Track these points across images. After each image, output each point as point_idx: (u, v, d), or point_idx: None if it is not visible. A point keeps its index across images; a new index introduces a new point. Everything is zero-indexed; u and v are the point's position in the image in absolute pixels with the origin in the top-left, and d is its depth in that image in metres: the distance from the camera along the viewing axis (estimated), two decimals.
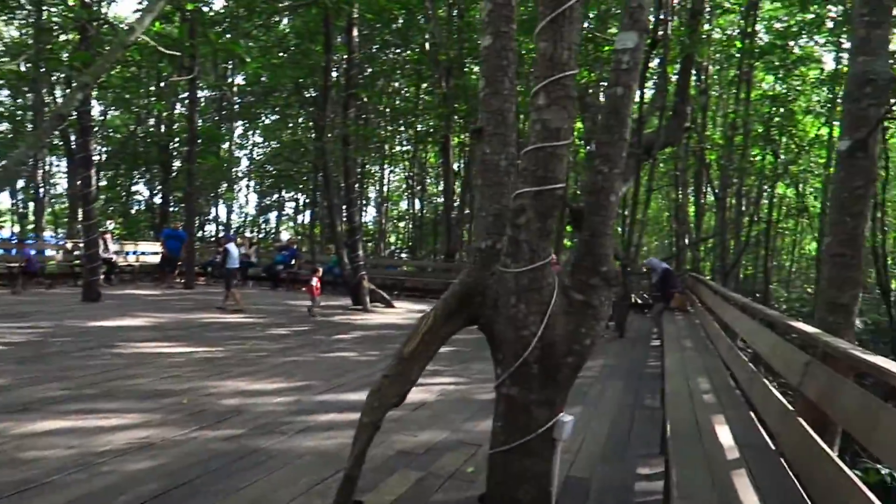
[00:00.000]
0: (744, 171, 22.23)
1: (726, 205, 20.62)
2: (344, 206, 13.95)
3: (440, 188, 32.32)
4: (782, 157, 21.61)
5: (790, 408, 2.95)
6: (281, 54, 17.03)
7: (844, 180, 4.46)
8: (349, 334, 9.89)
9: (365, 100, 20.69)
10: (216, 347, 7.94)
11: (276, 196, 34.17)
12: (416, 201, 31.73)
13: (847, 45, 19.97)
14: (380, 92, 23.15)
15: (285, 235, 34.60)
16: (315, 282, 11.83)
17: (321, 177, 13.73)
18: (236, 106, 27.18)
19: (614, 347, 10.08)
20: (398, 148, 30.14)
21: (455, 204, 20.37)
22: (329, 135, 14.15)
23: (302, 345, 8.59)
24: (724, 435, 3.18)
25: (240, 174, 25.77)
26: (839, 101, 21.36)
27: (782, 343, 3.55)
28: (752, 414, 3.59)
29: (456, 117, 18.71)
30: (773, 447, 2.98)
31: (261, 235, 34.34)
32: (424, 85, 24.74)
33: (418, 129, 25.84)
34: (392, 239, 36.56)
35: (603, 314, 3.50)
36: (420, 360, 3.56)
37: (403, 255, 33.63)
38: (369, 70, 21.49)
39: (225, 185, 28.00)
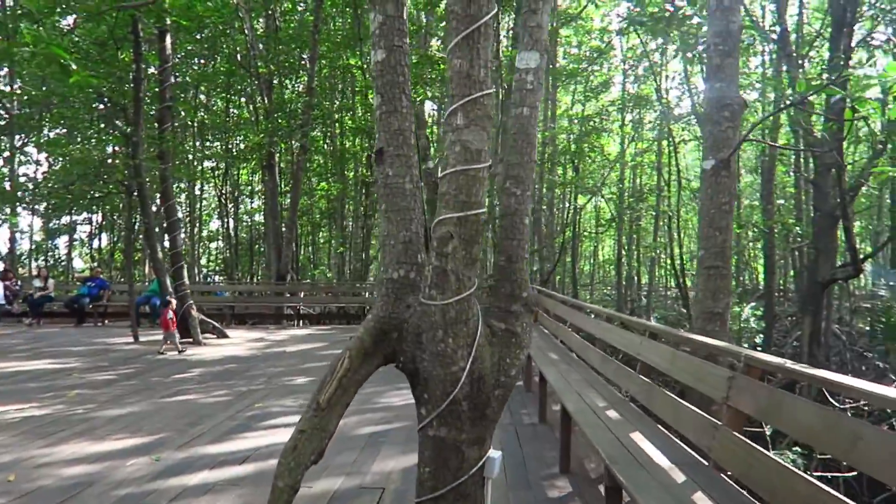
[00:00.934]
0: (553, 183, 24.05)
1: (540, 216, 22.14)
2: (165, 229, 12.64)
3: (253, 205, 30.91)
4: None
5: (718, 421, 3.05)
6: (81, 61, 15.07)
7: (712, 197, 4.88)
8: (188, 372, 8.89)
9: (182, 114, 19.09)
10: (30, 403, 6.68)
11: (65, 219, 30.25)
12: (230, 221, 29.90)
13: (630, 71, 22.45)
14: (189, 105, 21.50)
15: (79, 264, 30.85)
16: (171, 315, 10.65)
17: (135, 196, 12.24)
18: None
19: None
20: (206, 164, 28.20)
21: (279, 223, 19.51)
22: (142, 152, 12.74)
23: (137, 390, 7.53)
24: (656, 454, 3.21)
25: (26, 196, 22.30)
26: (629, 122, 23.96)
27: (685, 356, 3.71)
28: (663, 429, 3.69)
29: (280, 133, 17.91)
30: (706, 463, 3.06)
31: (49, 264, 30.16)
32: (239, 99, 23.51)
33: (229, 145, 24.52)
34: (204, 261, 34.13)
35: (527, 342, 3.39)
36: (337, 409, 3.18)
37: (217, 279, 31.62)
38: (177, 80, 19.87)
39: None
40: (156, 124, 13.05)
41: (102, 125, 18.62)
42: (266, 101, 18.55)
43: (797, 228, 16.14)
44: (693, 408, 3.35)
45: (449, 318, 3.08)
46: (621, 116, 23.84)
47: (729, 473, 2.89)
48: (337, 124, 24.78)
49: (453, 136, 3.13)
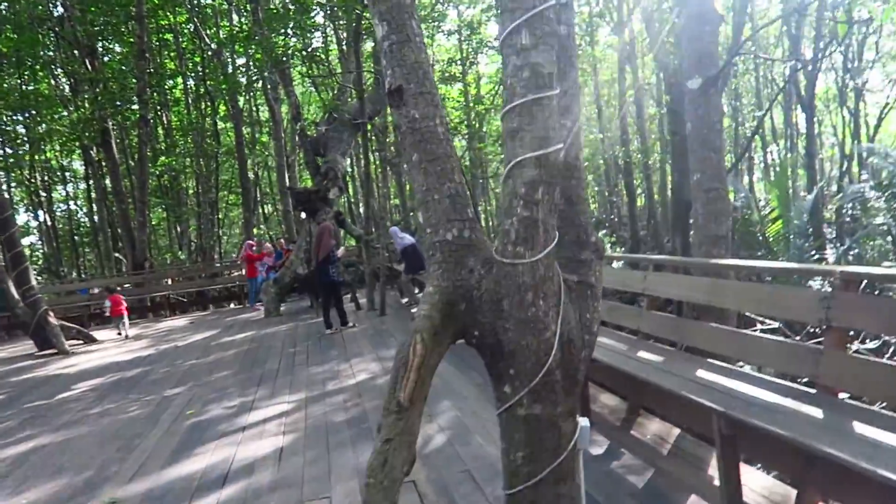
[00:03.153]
0: None
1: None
2: None
3: (68, 191, 27.30)
4: None
5: (818, 346, 2.89)
6: None
7: (703, 117, 4.73)
8: (74, 388, 7.53)
9: None
10: None
11: None
12: (43, 213, 26.02)
13: None
14: None
15: None
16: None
17: None
18: None
19: (386, 326, 9.65)
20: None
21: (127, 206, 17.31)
22: None
23: (25, 421, 6.20)
24: (754, 391, 3.00)
25: None
26: None
27: (735, 284, 3.54)
28: (729, 366, 3.51)
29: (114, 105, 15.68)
30: (813, 390, 2.90)
31: None
32: (49, 70, 20.26)
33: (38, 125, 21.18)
34: None
35: (600, 292, 3.00)
36: (418, 405, 2.61)
37: (40, 278, 27.99)
38: None
39: None
40: None
41: None
42: (91, 70, 16.05)
43: (656, 154, 17.13)
44: (780, 338, 3.19)
45: (539, 277, 2.61)
46: None
47: (845, 395, 2.75)
48: (171, 91, 22.35)
49: (519, 59, 2.59)
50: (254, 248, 14.10)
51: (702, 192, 4.76)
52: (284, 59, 10.88)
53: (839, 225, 14.84)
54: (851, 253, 10.30)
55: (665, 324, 4.17)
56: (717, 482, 3.19)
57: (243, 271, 14.55)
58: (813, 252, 11.36)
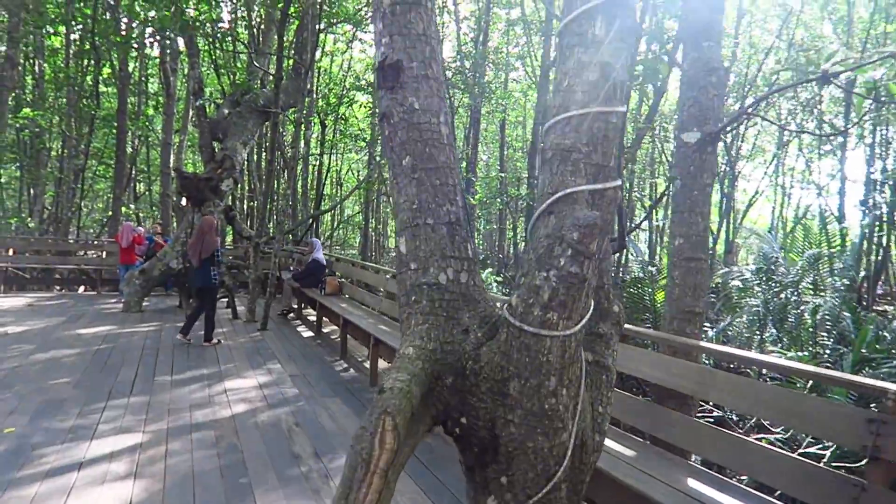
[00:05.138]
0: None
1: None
2: None
3: None
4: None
5: (860, 479, 2.35)
6: None
7: (695, 176, 4.23)
8: None
9: None
10: None
11: None
12: None
13: None
14: None
15: None
16: None
17: None
18: None
19: (267, 343, 8.54)
20: None
21: None
22: None
23: None
24: None
25: None
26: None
27: (734, 378, 2.98)
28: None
29: None
30: None
31: None
32: None
33: None
34: None
35: (615, 378, 2.31)
36: None
37: None
38: None
39: None
40: None
41: None
42: None
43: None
44: (801, 458, 2.63)
45: (568, 357, 1.88)
46: None
47: None
48: (50, 38, 19.77)
49: (585, 53, 1.88)
50: (142, 233, 12.39)
51: (682, 260, 4.27)
52: (195, 23, 9.58)
53: (723, 300, 15.44)
54: (729, 331, 10.48)
55: (634, 407, 3.58)
56: None
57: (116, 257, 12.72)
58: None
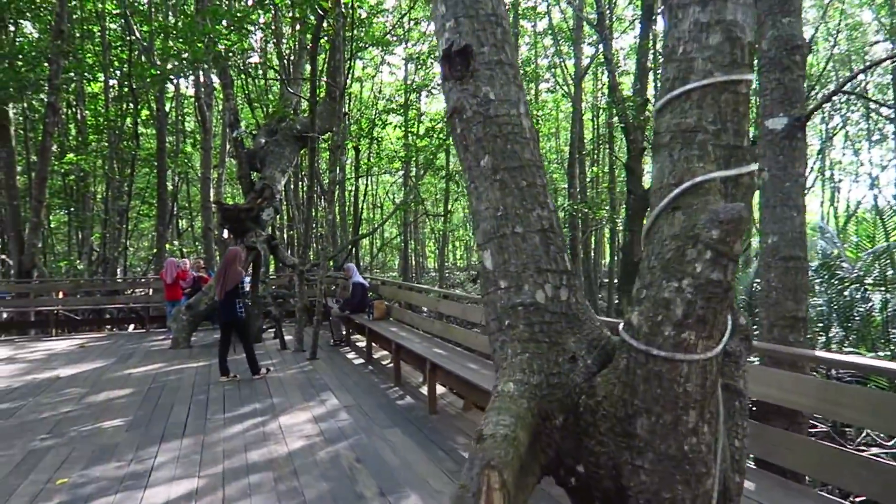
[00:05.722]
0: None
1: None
2: None
3: None
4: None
5: None
6: None
7: (785, 166, 3.83)
8: None
9: None
10: None
11: None
12: None
13: None
14: None
15: None
16: None
17: None
18: None
19: (318, 374, 8.28)
20: None
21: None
22: None
23: None
24: None
25: None
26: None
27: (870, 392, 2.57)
28: None
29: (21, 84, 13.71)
30: None
31: None
32: None
33: None
34: None
35: (748, 404, 1.93)
36: None
37: None
38: None
39: None
40: None
41: None
42: None
43: (603, 212, 16.67)
44: None
45: (710, 385, 1.52)
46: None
47: None
48: (90, 85, 20.28)
49: (703, 12, 1.55)
50: (186, 267, 12.32)
51: (778, 260, 3.85)
52: (228, 53, 9.54)
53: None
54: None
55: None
56: None
57: (162, 293, 12.68)
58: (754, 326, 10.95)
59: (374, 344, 9.20)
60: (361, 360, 9.21)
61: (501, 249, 1.75)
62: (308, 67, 11.63)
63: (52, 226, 25.34)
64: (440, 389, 6.74)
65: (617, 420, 1.57)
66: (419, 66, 22.09)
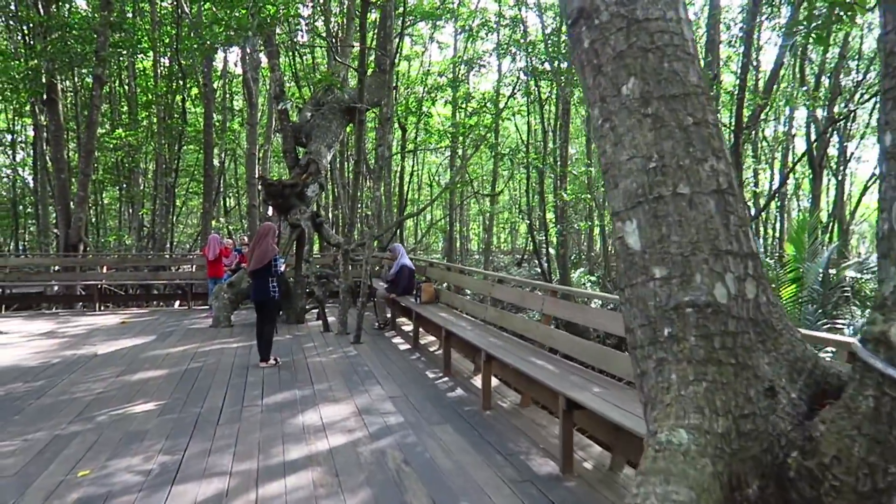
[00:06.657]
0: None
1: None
2: None
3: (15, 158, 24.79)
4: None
5: None
6: None
7: None
8: None
9: None
10: None
11: None
12: None
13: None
14: None
15: None
16: None
17: None
18: None
19: (362, 359, 7.83)
20: None
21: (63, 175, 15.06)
22: None
23: None
24: None
25: None
26: None
27: None
28: None
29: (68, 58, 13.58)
30: None
31: None
32: None
33: None
34: None
35: None
36: None
37: None
38: None
39: None
40: None
41: None
42: (44, 15, 13.91)
43: None
44: None
45: None
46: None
47: None
48: (140, 57, 20.19)
49: None
50: (229, 245, 12.05)
51: None
52: (273, 20, 9.08)
53: (854, 293, 13.61)
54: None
55: None
56: None
57: (205, 270, 12.45)
58: (825, 321, 10.05)
59: (420, 329, 8.70)
60: (407, 346, 8.72)
61: (656, 220, 1.16)
62: (357, 37, 11.12)
63: (105, 202, 25.72)
64: (495, 382, 6.19)
65: (858, 496, 0.98)
66: (471, 41, 21.33)
